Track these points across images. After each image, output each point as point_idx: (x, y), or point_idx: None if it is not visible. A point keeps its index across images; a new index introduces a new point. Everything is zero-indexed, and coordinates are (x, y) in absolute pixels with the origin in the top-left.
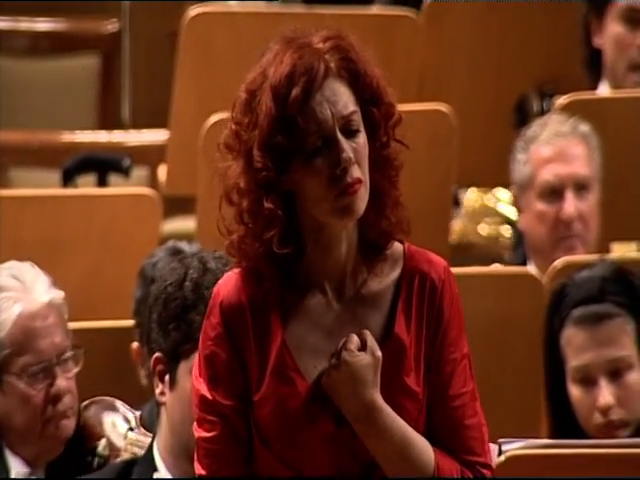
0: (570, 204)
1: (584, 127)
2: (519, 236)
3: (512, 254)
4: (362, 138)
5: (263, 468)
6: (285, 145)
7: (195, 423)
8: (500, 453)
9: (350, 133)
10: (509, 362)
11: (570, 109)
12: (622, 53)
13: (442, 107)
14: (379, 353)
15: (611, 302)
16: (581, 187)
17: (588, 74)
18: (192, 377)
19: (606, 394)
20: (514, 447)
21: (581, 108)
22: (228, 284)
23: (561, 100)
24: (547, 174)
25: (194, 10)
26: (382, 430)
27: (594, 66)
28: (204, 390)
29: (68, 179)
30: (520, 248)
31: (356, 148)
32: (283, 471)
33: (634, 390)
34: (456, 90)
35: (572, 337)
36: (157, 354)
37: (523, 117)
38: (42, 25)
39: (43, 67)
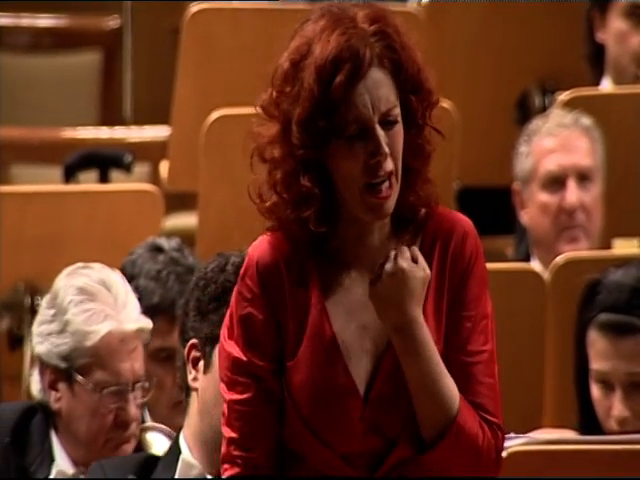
0: (572, 193)
1: (586, 120)
2: (522, 232)
3: (515, 250)
4: (398, 127)
5: (291, 433)
6: (324, 127)
7: (224, 386)
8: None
9: (388, 123)
10: (511, 358)
11: (572, 105)
12: (625, 49)
13: (444, 103)
14: (429, 271)
15: (638, 316)
16: (584, 177)
17: (591, 70)
18: (222, 340)
19: (621, 406)
20: (516, 443)
21: (583, 104)
22: (262, 246)
23: (563, 96)
24: (550, 164)
25: (195, 6)
26: (421, 345)
27: (597, 62)
28: (237, 352)
29: (70, 175)
30: (523, 244)
31: (392, 138)
32: (309, 438)
33: None
34: (458, 86)
35: (595, 341)
36: (192, 340)
37: (525, 113)
38: (44, 21)
39: (45, 63)
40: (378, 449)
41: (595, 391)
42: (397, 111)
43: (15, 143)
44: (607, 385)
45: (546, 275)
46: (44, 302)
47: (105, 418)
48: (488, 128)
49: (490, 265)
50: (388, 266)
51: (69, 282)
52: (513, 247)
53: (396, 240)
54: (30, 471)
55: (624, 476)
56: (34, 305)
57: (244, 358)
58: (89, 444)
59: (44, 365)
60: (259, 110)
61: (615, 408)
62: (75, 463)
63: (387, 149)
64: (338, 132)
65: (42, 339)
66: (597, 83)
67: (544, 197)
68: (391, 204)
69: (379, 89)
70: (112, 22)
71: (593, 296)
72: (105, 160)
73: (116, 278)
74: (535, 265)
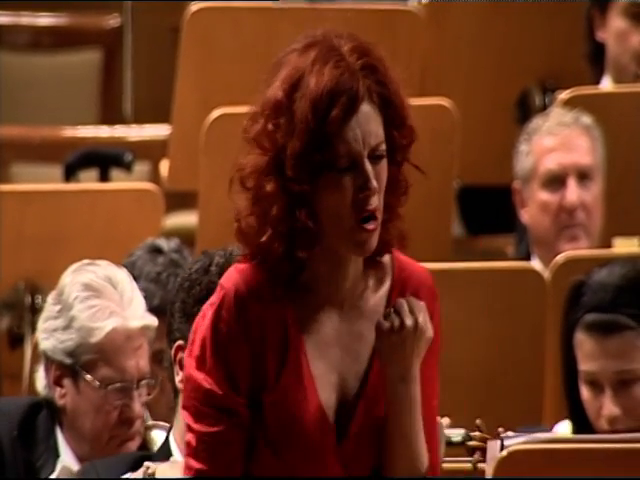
0: (573, 192)
1: (586, 119)
2: (522, 231)
3: (515, 249)
4: (384, 163)
5: (261, 467)
6: (318, 160)
7: (191, 416)
8: (502, 448)
9: (376, 158)
10: (512, 357)
11: (572, 104)
12: (625, 48)
13: (444, 102)
14: (432, 333)
15: (623, 314)
16: (584, 176)
17: (591, 68)
18: (188, 370)
19: (611, 405)
20: (516, 442)
21: (583, 103)
22: (238, 278)
23: (563, 95)
24: (550, 163)
25: (196, 5)
26: (413, 403)
27: (597, 60)
28: (210, 384)
29: (70, 174)
30: (523, 243)
31: (378, 173)
32: (281, 474)
33: None
34: (458, 85)
35: (582, 342)
36: (179, 342)
37: (525, 112)
38: (44, 20)
39: (45, 62)
40: None
41: (585, 393)
42: (384, 146)
43: (15, 142)
44: (596, 385)
45: (546, 274)
46: (50, 298)
47: (110, 415)
48: (488, 127)
49: (490, 264)
50: (408, 320)
51: (75, 278)
52: (513, 246)
53: (364, 280)
54: (36, 466)
55: (624, 475)
56: (34, 304)
57: (219, 392)
58: (94, 440)
59: (49, 361)
60: (250, 140)
61: (605, 407)
62: (80, 459)
63: (375, 184)
64: (330, 165)
65: (47, 335)
66: (597, 82)
67: (544, 196)
68: (376, 239)
69: (369, 123)
70: (112, 21)
71: (578, 298)
72: (105, 159)
73: (122, 275)
74: (535, 264)
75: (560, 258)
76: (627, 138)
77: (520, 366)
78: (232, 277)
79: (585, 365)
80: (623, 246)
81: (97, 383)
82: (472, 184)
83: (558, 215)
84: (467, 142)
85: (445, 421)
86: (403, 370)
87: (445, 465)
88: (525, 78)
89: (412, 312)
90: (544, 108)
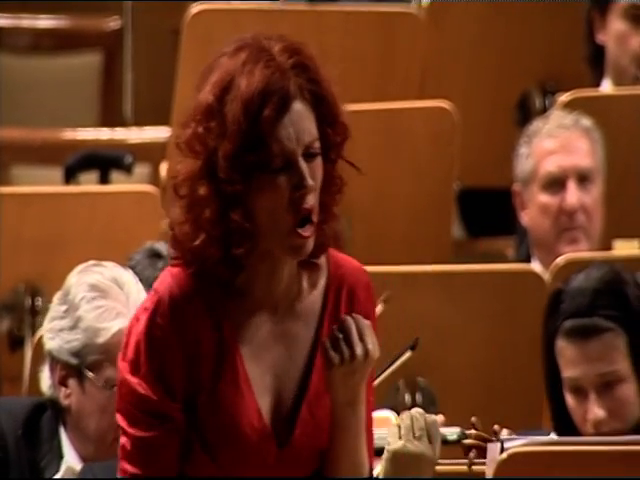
0: (572, 194)
1: (586, 121)
2: (523, 233)
3: (515, 251)
4: (319, 161)
5: (197, 472)
6: (251, 161)
7: (125, 421)
8: (502, 450)
9: (310, 156)
10: (512, 359)
11: (572, 106)
12: (625, 50)
13: (444, 104)
14: (378, 351)
15: (601, 316)
16: (584, 179)
17: (591, 71)
18: (122, 373)
19: (595, 409)
20: (516, 444)
21: (583, 105)
22: (172, 282)
23: (563, 97)
24: (550, 165)
25: (196, 7)
26: (359, 423)
27: (597, 63)
28: (145, 390)
29: (70, 176)
30: (523, 245)
31: (313, 171)
32: (217, 477)
33: (625, 401)
34: (458, 87)
35: (563, 349)
36: None
37: (525, 114)
38: (44, 22)
39: (45, 64)
40: None
41: (570, 400)
42: (318, 144)
43: (15, 144)
44: (580, 391)
45: (546, 276)
46: (55, 299)
47: (114, 416)
48: (488, 129)
49: (490, 266)
50: (359, 349)
51: (81, 279)
52: (513, 248)
53: (299, 281)
54: (40, 466)
55: (624, 476)
56: (34, 306)
57: (154, 397)
58: (98, 441)
59: (54, 361)
60: (181, 146)
61: (590, 412)
62: (84, 460)
63: (311, 182)
64: (264, 166)
65: (53, 335)
66: (597, 84)
67: (544, 198)
68: (311, 243)
69: (303, 121)
70: (112, 23)
71: (557, 306)
72: (105, 161)
73: (128, 277)
74: (535, 266)
75: (560, 260)
76: (627, 140)
77: (520, 368)
78: (166, 281)
79: (568, 372)
80: (623, 248)
81: (102, 383)
82: (472, 186)
83: (558, 217)
84: (467, 144)
85: (440, 418)
86: (352, 396)
87: (441, 467)
88: (525, 80)
89: (362, 338)
90: (544, 110)
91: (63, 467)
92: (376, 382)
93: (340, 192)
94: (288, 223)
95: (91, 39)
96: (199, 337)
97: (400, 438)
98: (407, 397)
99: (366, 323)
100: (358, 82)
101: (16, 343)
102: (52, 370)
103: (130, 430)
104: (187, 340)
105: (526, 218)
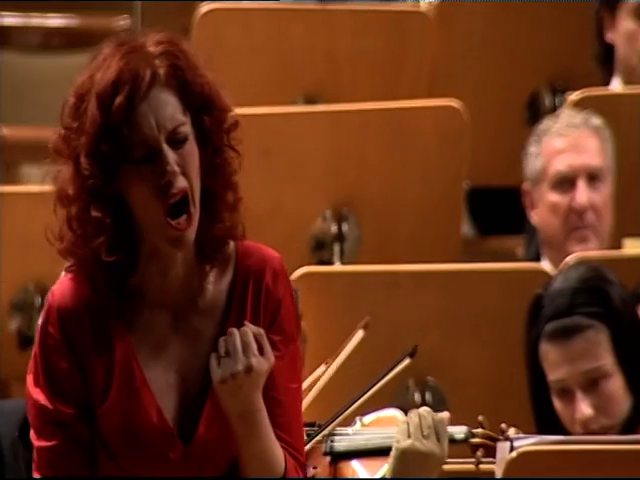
0: (582, 193)
1: (596, 120)
2: (532, 232)
3: (525, 250)
4: (190, 146)
5: (105, 477)
6: (111, 153)
7: (33, 433)
8: (512, 449)
9: (176, 142)
10: (521, 358)
11: (582, 105)
12: (634, 49)
13: (453, 103)
14: (272, 358)
15: (581, 314)
16: (593, 177)
17: (601, 70)
18: (27, 386)
19: (583, 407)
20: (526, 443)
21: (593, 104)
22: (63, 289)
23: (573, 96)
24: (559, 164)
25: (206, 6)
26: (259, 429)
27: (606, 62)
28: (43, 400)
29: None
30: (533, 244)
31: (183, 157)
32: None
33: (612, 396)
34: (468, 86)
35: (546, 353)
36: None
37: (535, 113)
38: (54, 21)
39: (55, 63)
40: None
41: (557, 404)
42: (185, 129)
43: (25, 143)
44: (567, 392)
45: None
46: None
47: None
48: (498, 128)
49: (500, 265)
50: (240, 366)
51: None
52: (523, 247)
53: (200, 275)
54: None
55: (635, 476)
56: (44, 305)
57: (50, 406)
58: None
59: None
60: (51, 151)
61: (577, 411)
62: None
63: (176, 167)
64: (126, 157)
65: None
66: (607, 83)
67: (554, 197)
68: (190, 233)
69: (163, 108)
70: (122, 22)
71: (538, 311)
72: None
73: None
74: (545, 265)
75: (570, 259)
76: (637, 139)
77: None
78: (57, 290)
79: (553, 374)
80: (633, 247)
81: None
82: (482, 185)
83: (568, 216)
84: (477, 143)
85: (445, 415)
86: (243, 407)
87: (449, 466)
88: (535, 79)
89: (245, 352)
90: (554, 109)
91: None
92: (376, 387)
93: (230, 179)
94: (159, 214)
95: (101, 38)
96: (89, 342)
97: (409, 436)
98: (417, 396)
99: (258, 333)
100: (368, 81)
101: (26, 342)
102: None
103: (36, 442)
104: (78, 347)
105: (536, 217)
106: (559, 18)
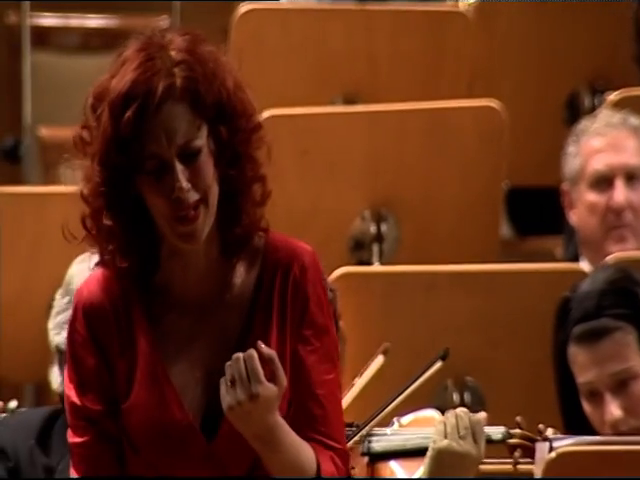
0: (620, 193)
1: (635, 120)
2: (571, 232)
3: (564, 250)
4: (203, 158)
5: (134, 471)
6: (121, 163)
7: (70, 431)
8: (551, 450)
9: (188, 156)
10: None
11: (621, 105)
12: None
13: (492, 103)
14: (285, 382)
15: (609, 316)
16: (632, 177)
17: (639, 70)
18: (64, 383)
19: (612, 409)
20: (565, 444)
21: (632, 104)
22: (90, 286)
23: (612, 96)
24: (597, 164)
25: (245, 6)
26: (280, 444)
27: None
28: (73, 396)
29: None
30: (572, 244)
31: (195, 171)
32: (152, 477)
33: None
34: (506, 86)
35: (575, 355)
36: None
37: (574, 113)
38: (93, 22)
39: (93, 64)
40: None
41: (587, 407)
42: (198, 142)
43: (64, 144)
44: (596, 395)
45: None
46: (57, 294)
47: None
48: (537, 128)
49: (539, 265)
50: (244, 395)
51: (82, 267)
52: (562, 247)
53: (226, 270)
54: (58, 469)
55: None
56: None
57: (78, 402)
58: None
59: (64, 356)
60: (72, 144)
61: (607, 413)
62: None
63: (186, 184)
64: (137, 168)
65: (59, 329)
66: None
67: (592, 197)
68: (201, 229)
69: (175, 122)
70: (161, 22)
71: (566, 314)
72: None
73: None
74: (584, 265)
75: (609, 259)
76: None
77: None
78: (84, 286)
79: (582, 377)
80: None
81: None
82: (520, 185)
83: (606, 216)
84: (516, 143)
85: (482, 415)
86: (257, 431)
87: (486, 467)
88: (574, 79)
89: (251, 379)
90: (593, 109)
91: None
92: (410, 390)
93: (251, 183)
94: (173, 214)
95: None
96: (115, 340)
97: (445, 437)
98: (455, 396)
99: (268, 356)
100: (407, 81)
101: None
102: (61, 365)
103: (70, 438)
104: (104, 344)
105: (574, 217)
106: (598, 18)
